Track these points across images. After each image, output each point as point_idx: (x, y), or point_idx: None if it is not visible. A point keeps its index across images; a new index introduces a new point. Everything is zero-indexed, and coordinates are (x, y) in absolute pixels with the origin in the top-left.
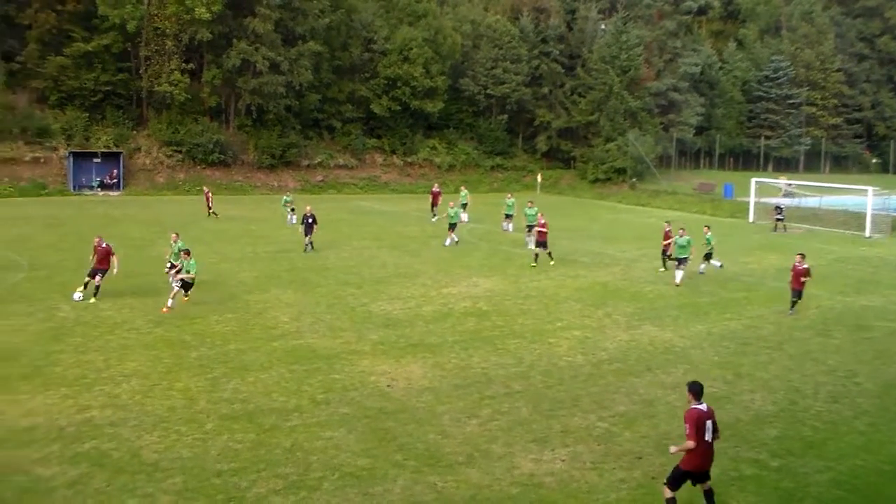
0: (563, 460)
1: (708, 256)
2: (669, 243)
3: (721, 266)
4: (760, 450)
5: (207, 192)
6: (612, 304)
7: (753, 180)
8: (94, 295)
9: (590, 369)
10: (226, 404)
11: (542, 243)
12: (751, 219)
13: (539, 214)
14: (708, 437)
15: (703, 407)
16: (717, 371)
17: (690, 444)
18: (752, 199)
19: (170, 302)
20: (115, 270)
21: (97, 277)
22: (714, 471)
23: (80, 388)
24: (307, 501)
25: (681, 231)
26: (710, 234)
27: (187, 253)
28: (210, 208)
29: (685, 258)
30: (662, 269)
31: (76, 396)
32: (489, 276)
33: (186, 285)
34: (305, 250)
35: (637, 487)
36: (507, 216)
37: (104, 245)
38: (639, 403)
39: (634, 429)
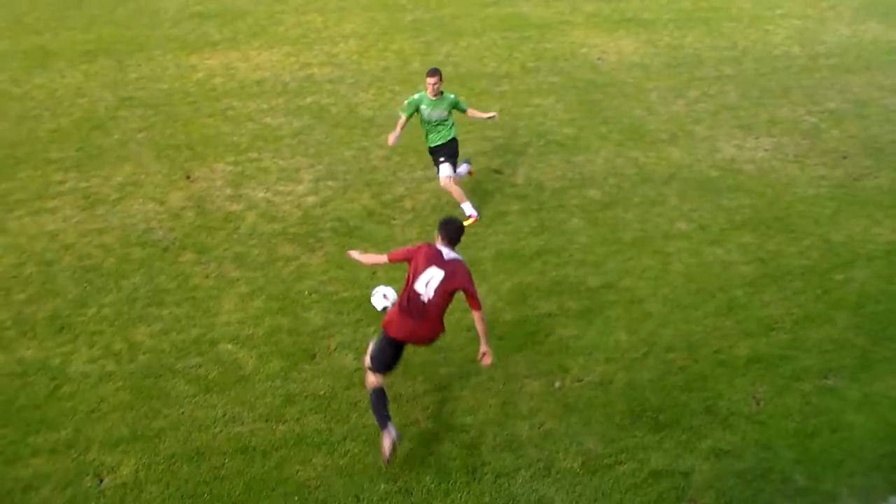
0: (766, 150)
1: None
2: None
3: None
4: None
5: None
6: None
7: None
8: None
9: (805, 61)
10: (439, 66)
11: None
12: None
13: None
14: (423, 293)
15: (446, 254)
16: None
17: (378, 258)
18: None
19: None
20: None
21: None
22: None
23: (302, 46)
24: (512, 164)
25: None
26: None
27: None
28: None
29: None
30: None
31: (297, 54)
32: None
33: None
34: None
35: (837, 186)
36: None
37: None
38: (851, 102)
39: (843, 127)
